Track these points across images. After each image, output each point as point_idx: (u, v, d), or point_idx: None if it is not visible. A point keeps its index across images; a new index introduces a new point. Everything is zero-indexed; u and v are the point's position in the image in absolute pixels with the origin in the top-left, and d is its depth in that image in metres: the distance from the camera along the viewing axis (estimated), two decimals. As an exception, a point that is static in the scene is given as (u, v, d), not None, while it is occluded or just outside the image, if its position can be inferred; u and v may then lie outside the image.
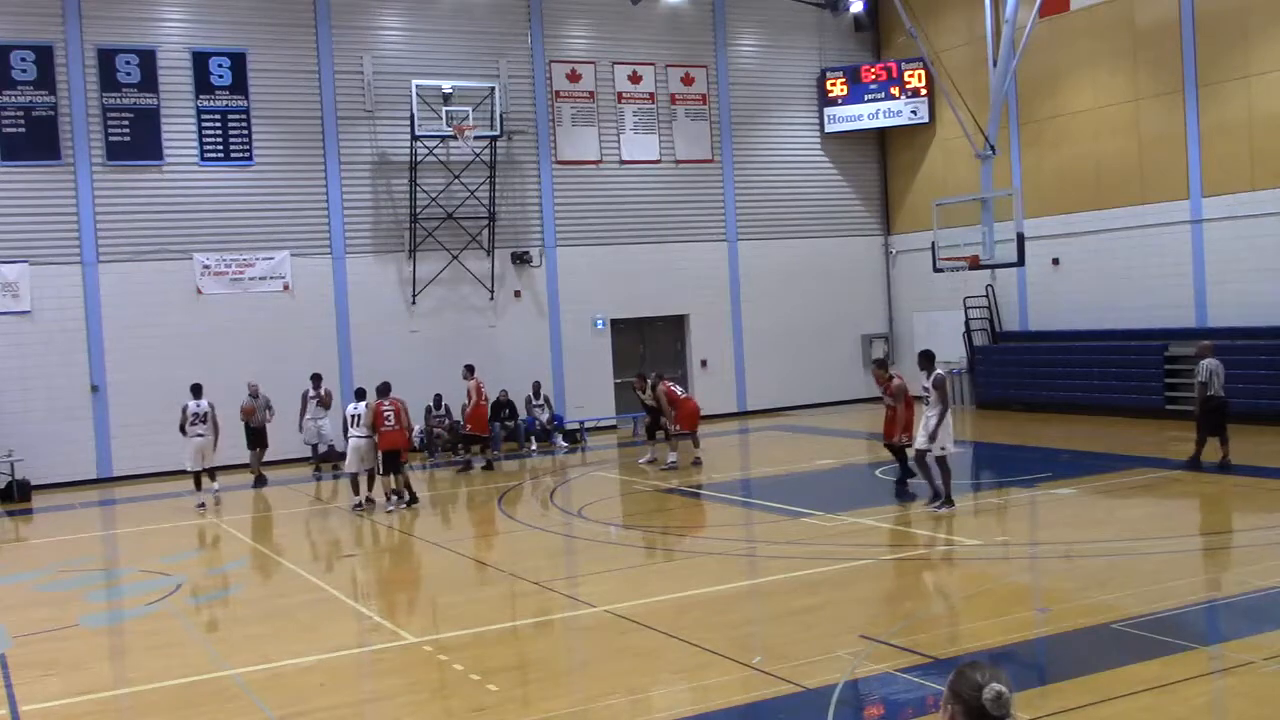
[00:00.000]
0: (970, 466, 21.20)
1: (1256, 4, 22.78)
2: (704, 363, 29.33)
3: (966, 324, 28.57)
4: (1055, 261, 26.91)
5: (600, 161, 28.25)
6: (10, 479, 21.83)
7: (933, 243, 23.82)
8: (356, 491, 18.52)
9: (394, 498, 18.38)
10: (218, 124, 24.53)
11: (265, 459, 22.49)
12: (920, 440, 15.50)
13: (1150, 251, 24.96)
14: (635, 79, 28.59)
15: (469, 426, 22.13)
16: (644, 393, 22.18)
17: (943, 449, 15.30)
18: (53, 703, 9.43)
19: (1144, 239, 25.05)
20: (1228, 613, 10.45)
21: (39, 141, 23.05)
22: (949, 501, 15.31)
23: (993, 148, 23.29)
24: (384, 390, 18.77)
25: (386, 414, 18.30)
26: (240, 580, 14.48)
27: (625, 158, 28.49)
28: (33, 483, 22.03)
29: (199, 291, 24.30)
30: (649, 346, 28.86)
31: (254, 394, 22.21)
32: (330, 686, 9.56)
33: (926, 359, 16.05)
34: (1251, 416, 21.82)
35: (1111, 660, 9.04)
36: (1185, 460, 17.78)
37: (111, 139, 23.63)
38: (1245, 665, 8.76)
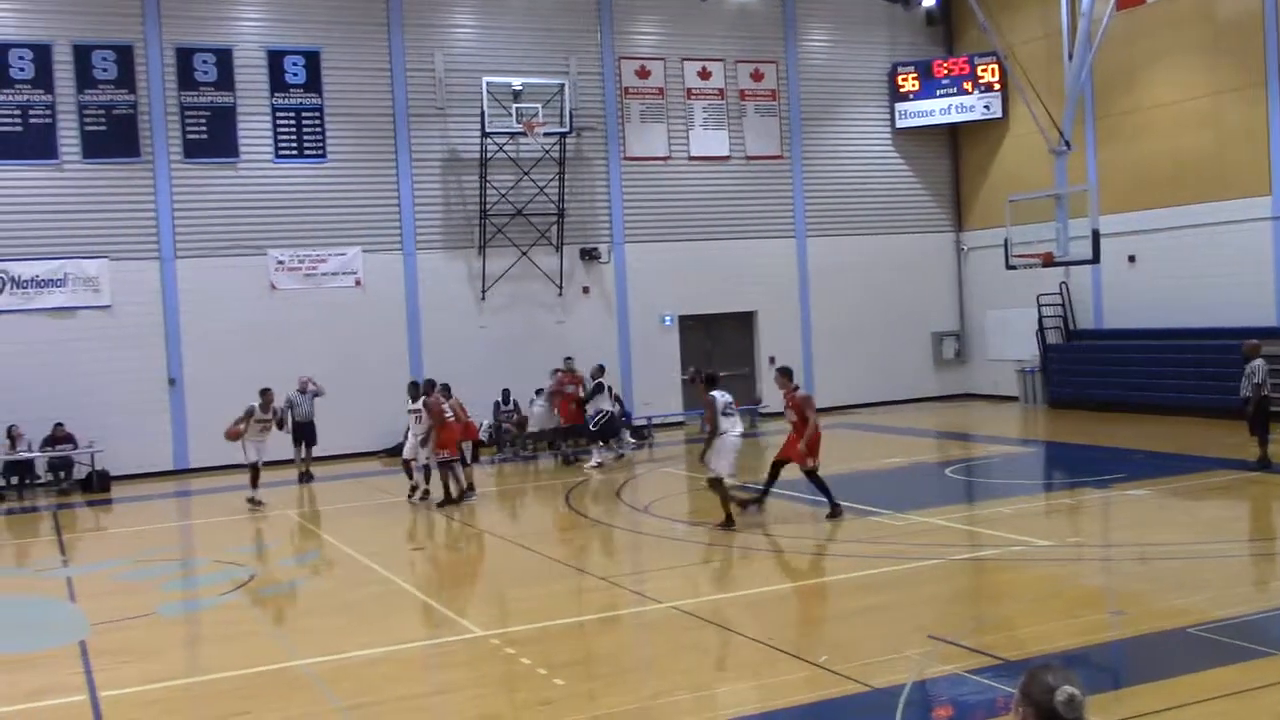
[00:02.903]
0: (1042, 466, 20.93)
1: (1343, -6, 22.19)
2: (772, 360, 29.13)
3: (1040, 321, 28.17)
4: (1131, 259, 26.40)
5: (669, 158, 28.24)
6: (90, 469, 22.33)
7: (1006, 239, 23.54)
8: (428, 480, 18.89)
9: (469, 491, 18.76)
10: (292, 121, 24.89)
11: (315, 455, 22.58)
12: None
13: (1229, 248, 24.40)
14: (705, 75, 28.55)
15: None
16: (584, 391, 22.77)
17: (715, 471, 14.88)
18: (129, 689, 9.63)
19: (1222, 236, 24.50)
20: (1309, 618, 10.20)
21: (119, 139, 23.53)
22: (729, 522, 14.83)
23: (1068, 143, 22.95)
24: (443, 388, 19.19)
25: (446, 411, 18.79)
26: (311, 572, 14.69)
27: (694, 154, 28.45)
28: (112, 473, 22.51)
29: (273, 287, 24.67)
30: (716, 344, 28.79)
31: (302, 390, 22.18)
32: (398, 678, 9.66)
33: (710, 380, 15.47)
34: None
35: (1187, 665, 8.88)
36: (1255, 462, 17.36)
37: (189, 136, 24.06)
38: (1327, 672, 8.55)
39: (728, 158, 28.78)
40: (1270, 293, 23.70)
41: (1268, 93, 23.51)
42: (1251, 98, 23.85)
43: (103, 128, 23.45)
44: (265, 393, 19.71)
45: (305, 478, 22.03)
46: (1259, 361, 17.41)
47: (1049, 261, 22.90)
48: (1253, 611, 10.24)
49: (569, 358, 23.93)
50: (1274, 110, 23.44)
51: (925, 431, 25.06)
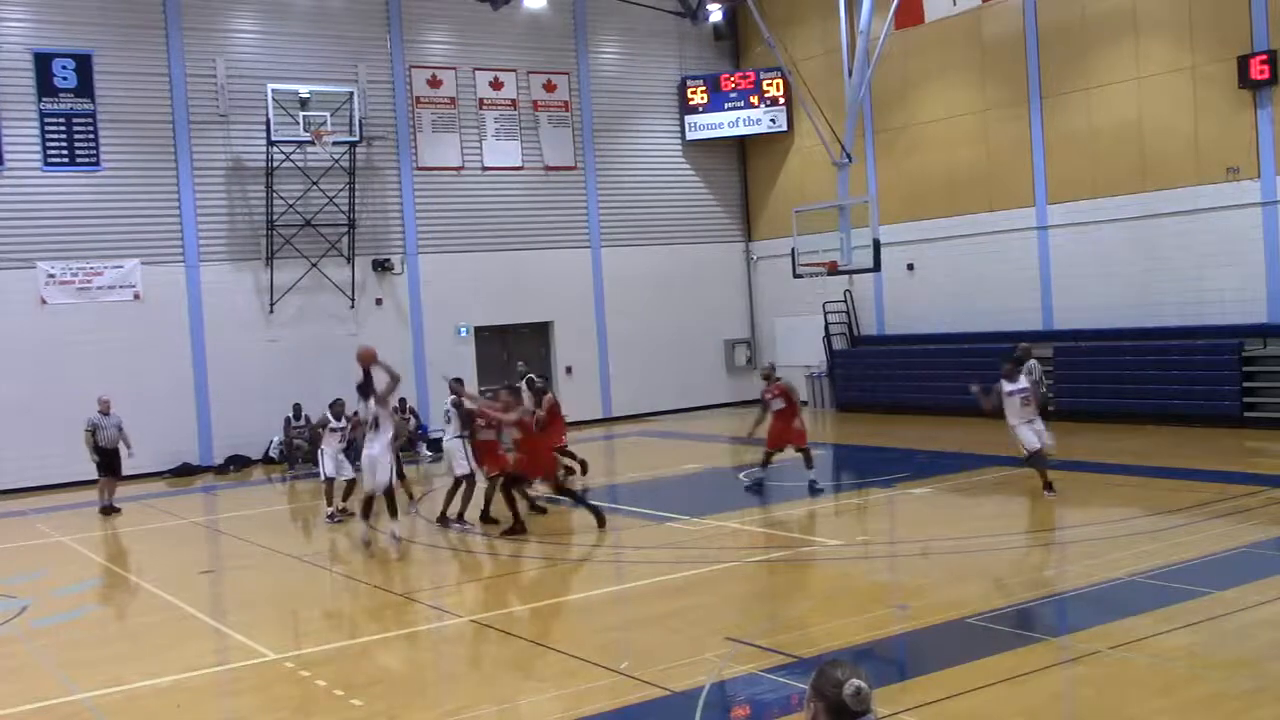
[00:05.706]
0: (831, 468, 21.63)
1: (1095, 21, 23.76)
2: (569, 369, 29.33)
3: (826, 328, 29.15)
4: (910, 267, 27.64)
5: (462, 168, 28.05)
6: None
7: (792, 249, 24.26)
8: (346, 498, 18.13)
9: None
10: (62, 128, 23.64)
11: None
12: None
13: (1000, 257, 25.82)
14: (497, 85, 28.47)
15: None
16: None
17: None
18: (-112, 735, 8.99)
19: (993, 245, 25.90)
20: (1075, 604, 10.85)
21: None
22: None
23: (849, 156, 23.81)
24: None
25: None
26: (92, 601, 13.97)
27: (487, 164, 28.34)
28: None
29: (43, 301, 23.38)
30: (513, 354, 28.71)
31: (105, 411, 20.06)
32: (187, 707, 9.29)
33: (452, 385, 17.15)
34: (1093, 415, 22.73)
35: (967, 654, 9.32)
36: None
37: (-53, 143, 22.61)
38: (1092, 654, 9.11)
39: (521, 168, 28.77)
40: (1038, 298, 25.16)
41: (1029, 110, 24.98)
42: (1015, 115, 25.29)
43: None
44: (336, 404, 18.17)
45: (109, 510, 19.63)
46: (1033, 362, 18.39)
47: (833, 270, 23.72)
48: (1024, 600, 10.85)
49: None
50: (1035, 127, 24.92)
51: (719, 437, 25.57)
